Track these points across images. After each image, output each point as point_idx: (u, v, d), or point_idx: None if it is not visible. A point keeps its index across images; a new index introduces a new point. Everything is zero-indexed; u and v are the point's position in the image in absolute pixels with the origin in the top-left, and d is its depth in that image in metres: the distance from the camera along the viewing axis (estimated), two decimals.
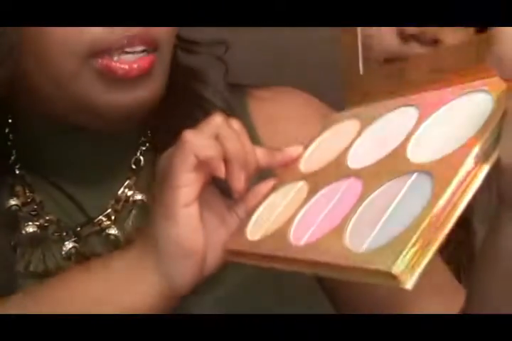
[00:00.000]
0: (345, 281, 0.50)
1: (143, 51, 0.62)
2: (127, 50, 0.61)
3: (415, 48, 0.64)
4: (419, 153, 0.53)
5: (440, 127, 0.54)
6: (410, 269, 0.45)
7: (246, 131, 0.61)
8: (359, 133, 0.60)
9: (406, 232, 0.46)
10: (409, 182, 0.50)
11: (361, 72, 0.64)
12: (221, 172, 0.58)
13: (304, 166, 0.63)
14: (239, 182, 0.59)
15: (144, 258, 0.60)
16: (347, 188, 0.55)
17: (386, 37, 0.64)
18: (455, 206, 0.47)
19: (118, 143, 0.71)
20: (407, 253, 0.45)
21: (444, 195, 0.47)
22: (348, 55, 0.65)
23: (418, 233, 0.46)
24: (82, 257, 0.69)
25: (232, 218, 0.62)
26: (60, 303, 0.61)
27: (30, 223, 0.70)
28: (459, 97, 0.54)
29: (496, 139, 0.48)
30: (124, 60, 0.62)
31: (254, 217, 0.61)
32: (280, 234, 0.56)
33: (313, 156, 0.63)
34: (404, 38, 0.64)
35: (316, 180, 0.59)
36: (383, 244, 0.47)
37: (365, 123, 0.60)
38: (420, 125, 0.55)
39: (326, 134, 0.64)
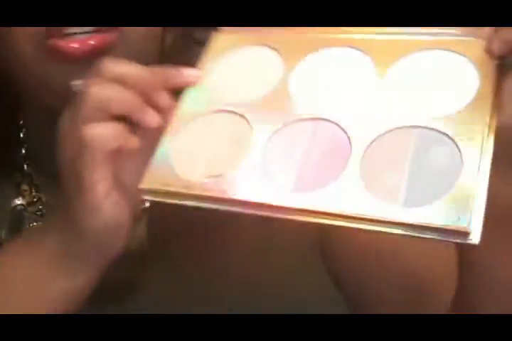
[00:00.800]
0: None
1: (97, 31, 0.60)
2: (77, 30, 0.60)
3: None
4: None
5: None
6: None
7: None
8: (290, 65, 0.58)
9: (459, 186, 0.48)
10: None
11: None
12: (134, 143, 0.56)
13: (223, 93, 0.60)
14: (152, 117, 0.56)
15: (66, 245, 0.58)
16: (320, 130, 0.54)
17: None
18: None
19: None
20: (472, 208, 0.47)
21: None
22: None
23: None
24: None
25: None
26: None
27: (35, 223, 0.70)
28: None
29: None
30: (75, 38, 0.60)
31: (172, 150, 0.57)
32: (244, 176, 0.54)
33: (231, 82, 0.60)
34: None
35: (257, 114, 0.56)
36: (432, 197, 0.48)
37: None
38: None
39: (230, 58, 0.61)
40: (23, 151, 0.72)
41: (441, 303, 0.66)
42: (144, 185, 0.56)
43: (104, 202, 0.55)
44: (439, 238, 0.48)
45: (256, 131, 0.56)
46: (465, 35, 0.56)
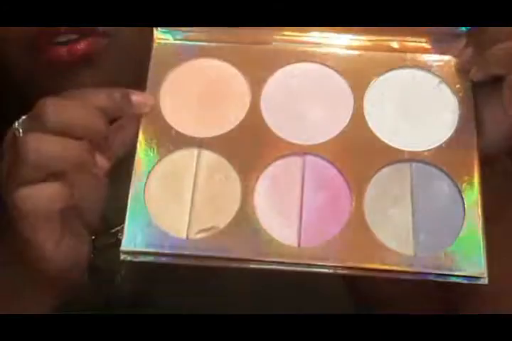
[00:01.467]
0: None
1: (85, 36, 0.58)
2: (64, 39, 0.58)
3: None
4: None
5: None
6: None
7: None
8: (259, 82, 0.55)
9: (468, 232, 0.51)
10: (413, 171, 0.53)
11: None
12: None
13: (185, 126, 0.55)
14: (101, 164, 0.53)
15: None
16: (311, 169, 0.53)
17: None
18: None
19: None
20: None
21: None
22: None
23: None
24: (96, 270, 0.63)
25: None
26: None
27: None
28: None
29: None
30: (62, 46, 0.58)
31: (147, 201, 0.53)
32: (239, 232, 0.51)
33: (189, 110, 0.56)
34: None
35: (232, 151, 0.54)
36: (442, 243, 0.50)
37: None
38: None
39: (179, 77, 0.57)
40: None
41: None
42: (126, 247, 0.52)
43: (55, 253, 0.53)
44: (454, 281, 0.51)
45: (241, 178, 0.53)
46: (436, 53, 0.56)
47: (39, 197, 0.51)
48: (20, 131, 0.53)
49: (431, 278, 0.51)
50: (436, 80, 0.56)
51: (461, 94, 0.55)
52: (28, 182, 0.51)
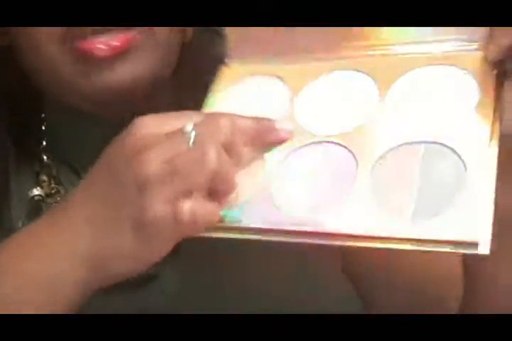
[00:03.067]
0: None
1: (120, 29, 0.60)
2: (99, 29, 0.60)
3: None
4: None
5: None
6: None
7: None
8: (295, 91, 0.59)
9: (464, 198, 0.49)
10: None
11: None
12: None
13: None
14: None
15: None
16: (326, 157, 0.55)
17: None
18: None
19: None
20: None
21: None
22: None
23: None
24: None
25: None
26: None
27: None
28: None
29: None
30: (98, 39, 0.60)
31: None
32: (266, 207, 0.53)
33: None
34: None
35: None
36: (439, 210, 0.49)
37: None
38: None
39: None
40: (44, 143, 0.71)
41: (449, 310, 0.66)
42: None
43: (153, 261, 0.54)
44: (449, 250, 0.48)
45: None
46: (463, 50, 0.57)
47: (202, 214, 0.51)
48: (192, 138, 0.53)
49: (425, 248, 0.49)
50: (462, 71, 0.56)
51: (482, 83, 0.55)
52: (192, 194, 0.51)
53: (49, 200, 0.70)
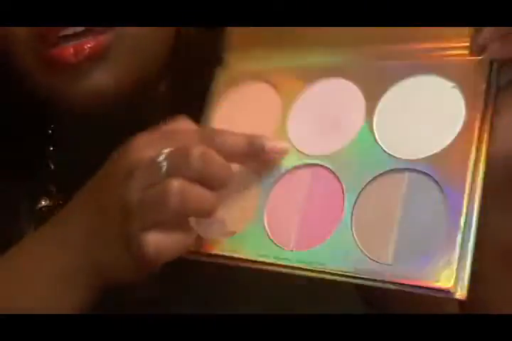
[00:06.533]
0: None
1: (90, 32, 0.58)
2: (69, 32, 0.58)
3: None
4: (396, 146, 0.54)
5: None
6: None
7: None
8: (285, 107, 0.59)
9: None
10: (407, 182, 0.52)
11: None
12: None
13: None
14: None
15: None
16: (315, 181, 0.56)
17: None
18: None
19: None
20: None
21: None
22: None
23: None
24: None
25: None
26: None
27: None
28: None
29: None
30: (69, 44, 0.58)
31: None
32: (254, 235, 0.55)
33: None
34: None
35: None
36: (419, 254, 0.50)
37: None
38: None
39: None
40: (51, 148, 0.71)
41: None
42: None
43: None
44: (428, 294, 0.50)
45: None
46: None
47: (173, 243, 0.53)
48: (164, 167, 0.53)
49: (406, 289, 0.50)
50: (450, 84, 0.54)
51: (469, 100, 0.53)
52: (160, 226, 0.52)
53: (57, 212, 0.69)
